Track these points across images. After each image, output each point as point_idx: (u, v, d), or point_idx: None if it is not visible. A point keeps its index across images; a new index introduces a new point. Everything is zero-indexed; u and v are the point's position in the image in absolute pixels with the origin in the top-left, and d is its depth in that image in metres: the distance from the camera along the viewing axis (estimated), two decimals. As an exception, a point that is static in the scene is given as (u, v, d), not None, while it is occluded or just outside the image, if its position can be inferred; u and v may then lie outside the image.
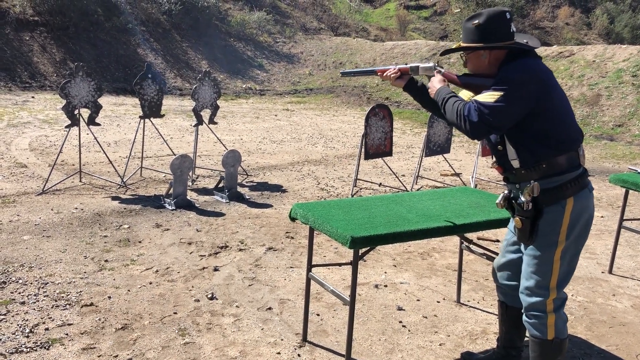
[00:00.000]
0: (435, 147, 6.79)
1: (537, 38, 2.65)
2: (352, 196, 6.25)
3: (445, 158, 7.24)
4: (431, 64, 2.73)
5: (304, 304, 3.22)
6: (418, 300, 3.79)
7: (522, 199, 2.37)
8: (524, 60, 2.36)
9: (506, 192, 2.51)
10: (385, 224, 2.79)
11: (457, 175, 7.29)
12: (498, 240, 4.95)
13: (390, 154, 6.55)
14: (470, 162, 8.31)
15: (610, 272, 4.40)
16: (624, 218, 4.38)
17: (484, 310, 3.67)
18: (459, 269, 3.77)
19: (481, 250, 3.48)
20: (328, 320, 3.45)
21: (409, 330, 3.37)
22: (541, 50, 14.79)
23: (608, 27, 26.32)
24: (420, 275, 4.21)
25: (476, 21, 2.41)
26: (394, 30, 25.06)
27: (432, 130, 6.70)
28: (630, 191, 4.24)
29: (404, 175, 7.35)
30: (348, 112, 13.73)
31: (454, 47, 2.59)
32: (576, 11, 27.72)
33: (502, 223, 3.03)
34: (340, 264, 3.31)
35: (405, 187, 6.68)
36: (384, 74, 2.81)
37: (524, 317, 2.53)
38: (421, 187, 6.80)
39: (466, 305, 3.76)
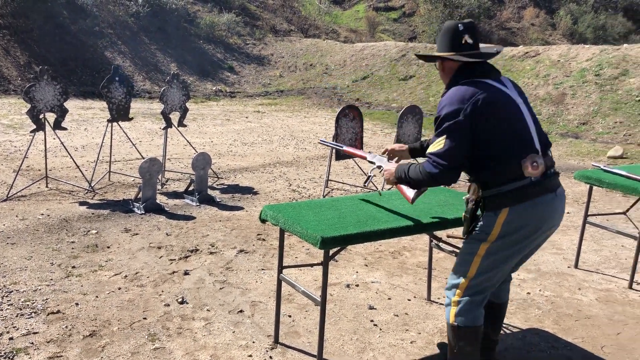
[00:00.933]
0: (405, 147, 6.84)
1: (500, 45, 2.71)
2: (324, 197, 6.26)
3: (415, 159, 7.29)
4: (376, 161, 2.99)
5: (275, 305, 3.21)
6: (389, 298, 3.81)
7: (465, 197, 2.58)
8: (460, 88, 2.45)
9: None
10: (355, 224, 2.80)
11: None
12: (466, 237, 5.01)
13: (360, 154, 6.58)
14: (440, 162, 8.40)
15: (576, 266, 4.50)
16: (589, 214, 4.48)
17: (454, 307, 3.71)
18: (429, 267, 3.80)
19: (450, 248, 3.52)
20: (300, 321, 3.45)
21: (381, 329, 3.39)
22: (508, 51, 15.05)
23: (572, 27, 26.92)
24: (391, 274, 4.24)
25: (441, 32, 2.59)
26: (363, 32, 25.19)
27: (402, 130, 6.75)
28: (595, 187, 4.35)
29: (375, 176, 7.38)
30: (319, 113, 13.75)
31: (420, 53, 2.85)
32: (541, 12, 28.28)
33: (469, 220, 3.07)
34: (311, 265, 3.31)
35: (376, 187, 6.72)
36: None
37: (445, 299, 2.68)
38: (392, 187, 6.84)
39: (436, 302, 3.79)
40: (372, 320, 3.49)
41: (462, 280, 2.56)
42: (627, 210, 4.73)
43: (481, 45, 2.59)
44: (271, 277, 4.06)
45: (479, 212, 2.56)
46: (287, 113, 13.53)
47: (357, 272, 4.25)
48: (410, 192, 2.74)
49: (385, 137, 10.61)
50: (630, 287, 4.13)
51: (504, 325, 3.48)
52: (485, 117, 2.39)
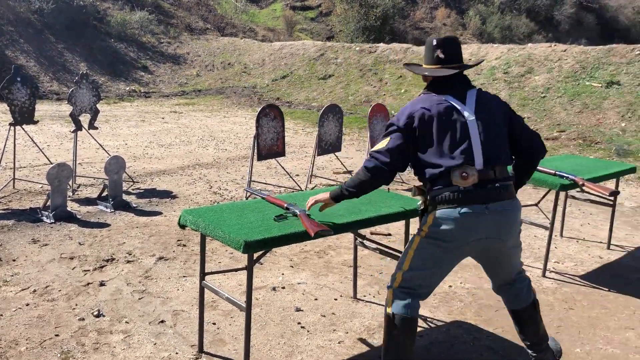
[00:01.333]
0: (327, 145, 6.86)
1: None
2: (247, 199, 6.14)
3: (337, 156, 7.33)
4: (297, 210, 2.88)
5: (198, 313, 3.08)
6: (316, 299, 3.78)
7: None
8: (415, 100, 2.67)
9: None
10: (279, 226, 2.74)
11: (349, 172, 7.41)
12: (390, 234, 5.08)
13: (283, 154, 6.52)
14: (360, 160, 8.48)
15: (493, 257, 4.65)
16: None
17: (379, 304, 3.73)
18: (354, 265, 3.80)
19: (374, 246, 3.53)
20: (225, 328, 3.34)
21: (308, 331, 3.34)
22: (422, 50, 15.48)
23: (481, 27, 28.15)
24: (318, 274, 4.21)
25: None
26: (281, 31, 25.14)
27: (323, 129, 6.75)
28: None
29: (298, 175, 7.35)
30: (239, 112, 13.56)
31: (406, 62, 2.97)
32: (452, 12, 29.37)
33: (393, 218, 3.09)
34: (235, 270, 3.21)
35: (299, 186, 6.68)
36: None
37: None
38: (315, 186, 6.83)
39: (362, 300, 3.80)
40: (299, 323, 3.43)
41: (398, 272, 2.68)
42: (539, 202, 4.95)
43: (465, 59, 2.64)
44: (193, 284, 3.91)
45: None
46: (205, 113, 13.24)
47: (282, 274, 4.18)
48: (313, 226, 2.65)
49: (307, 137, 10.61)
50: (543, 275, 4.32)
51: (428, 320, 3.54)
52: (423, 129, 2.57)
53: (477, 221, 2.52)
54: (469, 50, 14.38)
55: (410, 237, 2.80)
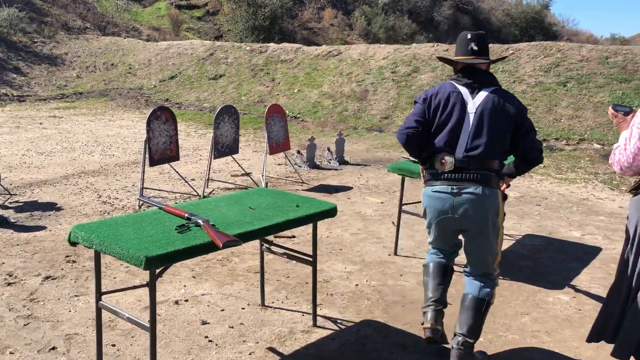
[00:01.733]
0: (224, 148, 6.67)
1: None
2: (140, 207, 5.81)
3: (234, 158, 7.16)
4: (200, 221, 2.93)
5: (95, 336, 2.83)
6: (222, 310, 3.62)
7: None
8: (440, 85, 3.06)
9: None
10: (182, 238, 2.57)
11: (248, 174, 7.27)
12: (294, 236, 5.02)
13: (177, 158, 6.25)
14: (258, 161, 8.37)
15: (395, 253, 4.74)
16: (403, 203, 4.75)
17: (288, 310, 3.65)
18: (261, 272, 3.69)
19: (282, 250, 3.45)
20: (126, 349, 3.10)
21: (217, 345, 3.19)
22: (313, 50, 15.63)
23: (366, 28, 28.97)
24: (222, 283, 4.05)
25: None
26: (167, 30, 24.31)
27: (219, 131, 6.56)
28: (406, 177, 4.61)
29: (193, 180, 7.08)
30: (125, 115, 12.90)
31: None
32: (338, 13, 29.96)
33: (301, 221, 3.03)
34: (134, 287, 2.98)
35: (196, 191, 6.44)
36: None
37: None
38: (213, 190, 6.63)
39: (271, 307, 3.70)
40: (206, 336, 3.27)
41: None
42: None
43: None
44: (87, 303, 3.61)
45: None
46: (88, 117, 12.46)
47: (184, 286, 3.98)
48: (220, 237, 2.52)
49: (201, 139, 10.30)
50: (443, 267, 4.46)
51: (338, 321, 3.52)
52: (432, 110, 2.99)
53: (442, 202, 2.94)
54: (358, 51, 14.72)
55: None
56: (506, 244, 5.06)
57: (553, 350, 3.24)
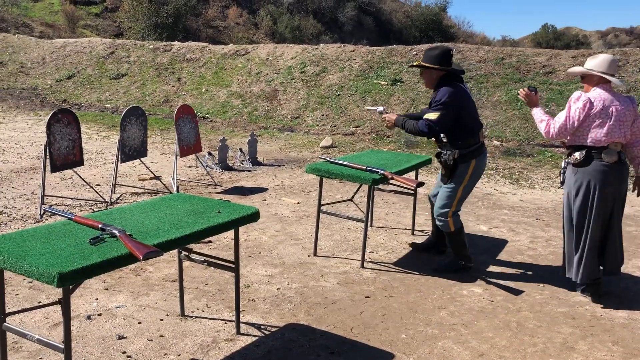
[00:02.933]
0: (131, 151, 6.38)
1: (459, 67, 4.37)
2: (42, 216, 5.42)
3: (142, 162, 6.87)
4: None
5: (-1, 362, 2.60)
6: (140, 322, 3.45)
7: (445, 158, 4.23)
8: (451, 88, 4.14)
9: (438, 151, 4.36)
10: (97, 251, 2.41)
11: (157, 178, 7.00)
12: (210, 241, 4.89)
13: (81, 163, 5.89)
14: (168, 164, 8.09)
15: (315, 254, 4.75)
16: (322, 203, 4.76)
17: (210, 318, 3.55)
18: (179, 280, 3.55)
19: (202, 258, 3.34)
20: (34, 372, 2.87)
21: (136, 360, 3.03)
22: (219, 49, 15.36)
23: (272, 27, 28.93)
24: (137, 293, 3.86)
25: (436, 52, 4.22)
26: (62, 27, 22.99)
27: (126, 134, 6.27)
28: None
29: (99, 185, 6.72)
30: (19, 117, 12.03)
31: (415, 64, 4.37)
32: (244, 12, 29.70)
33: (223, 228, 2.94)
34: (43, 305, 2.76)
35: (102, 197, 6.11)
36: None
37: (436, 220, 4.41)
38: (120, 196, 6.32)
39: (191, 316, 3.58)
40: (124, 352, 3.10)
41: (452, 205, 4.29)
42: (352, 196, 5.18)
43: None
44: (-14, 324, 3.30)
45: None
46: (-24, 120, 11.50)
47: (96, 299, 3.75)
48: (140, 248, 2.40)
49: (104, 141, 9.80)
50: (362, 266, 4.52)
51: (262, 327, 3.46)
52: (462, 105, 4.16)
53: (485, 160, 4.37)
54: (266, 50, 14.64)
55: (445, 184, 4.34)
56: (420, 239, 5.21)
57: (470, 341, 3.37)
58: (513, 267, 4.63)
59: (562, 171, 4.05)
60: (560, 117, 3.84)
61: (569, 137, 3.90)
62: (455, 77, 4.24)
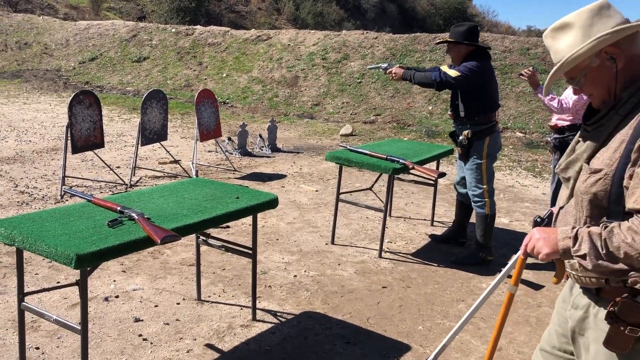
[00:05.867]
0: (152, 134, 6.39)
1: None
2: (62, 197, 5.46)
3: (162, 145, 6.88)
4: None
5: (17, 339, 2.62)
6: (156, 306, 3.46)
7: (461, 137, 4.25)
8: (479, 61, 4.12)
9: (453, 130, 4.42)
10: (115, 233, 2.40)
11: (177, 162, 7.01)
12: (229, 227, 4.89)
13: (102, 145, 5.92)
14: (187, 148, 8.10)
15: (332, 242, 4.71)
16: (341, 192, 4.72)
17: (226, 304, 3.54)
18: (197, 265, 3.55)
19: (219, 243, 3.33)
20: (51, 352, 2.89)
21: (152, 343, 3.04)
22: (241, 34, 15.31)
23: (295, 13, 28.76)
24: (154, 277, 3.87)
25: (463, 28, 4.18)
26: (86, 9, 23.10)
27: (147, 117, 6.28)
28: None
29: (119, 167, 6.75)
30: (42, 99, 12.14)
31: (442, 40, 4.33)
32: (266, -3, 29.51)
33: (241, 214, 2.92)
34: (61, 286, 2.77)
35: (122, 180, 6.14)
36: None
37: (473, 204, 4.36)
38: (140, 179, 6.34)
39: (207, 301, 3.57)
40: (140, 335, 3.11)
41: (482, 181, 4.27)
42: (372, 185, 5.13)
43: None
44: (6, 303, 3.34)
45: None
46: (0, 99, 11.63)
47: (114, 280, 3.77)
48: (157, 232, 2.37)
49: (125, 124, 9.85)
50: (380, 256, 4.48)
51: (278, 314, 3.45)
52: (486, 80, 4.18)
53: (500, 138, 4.39)
54: (287, 36, 14.56)
55: (468, 164, 4.34)
56: (439, 230, 5.15)
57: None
58: (533, 261, 4.55)
59: None
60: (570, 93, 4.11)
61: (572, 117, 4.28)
62: (483, 54, 4.21)
